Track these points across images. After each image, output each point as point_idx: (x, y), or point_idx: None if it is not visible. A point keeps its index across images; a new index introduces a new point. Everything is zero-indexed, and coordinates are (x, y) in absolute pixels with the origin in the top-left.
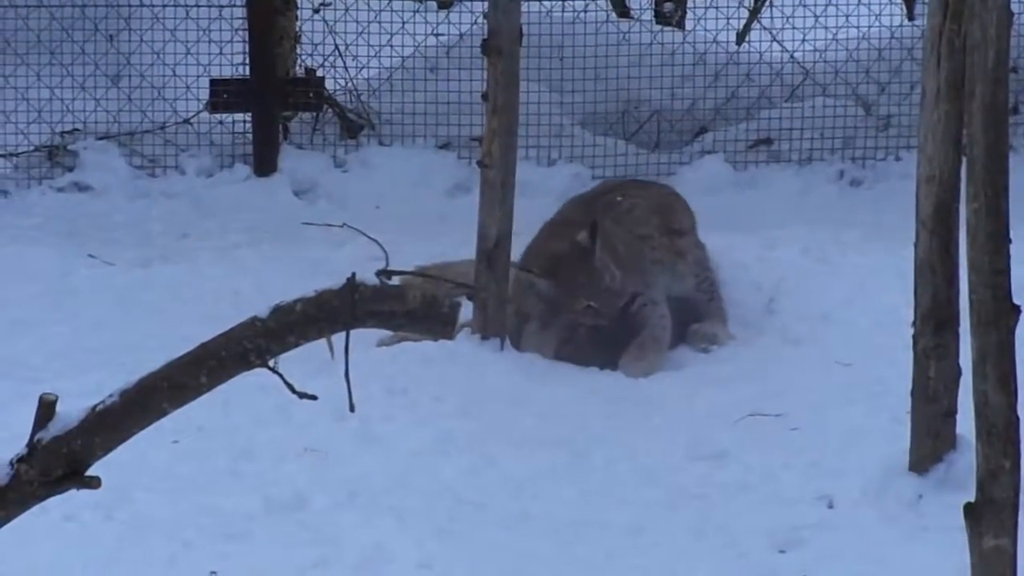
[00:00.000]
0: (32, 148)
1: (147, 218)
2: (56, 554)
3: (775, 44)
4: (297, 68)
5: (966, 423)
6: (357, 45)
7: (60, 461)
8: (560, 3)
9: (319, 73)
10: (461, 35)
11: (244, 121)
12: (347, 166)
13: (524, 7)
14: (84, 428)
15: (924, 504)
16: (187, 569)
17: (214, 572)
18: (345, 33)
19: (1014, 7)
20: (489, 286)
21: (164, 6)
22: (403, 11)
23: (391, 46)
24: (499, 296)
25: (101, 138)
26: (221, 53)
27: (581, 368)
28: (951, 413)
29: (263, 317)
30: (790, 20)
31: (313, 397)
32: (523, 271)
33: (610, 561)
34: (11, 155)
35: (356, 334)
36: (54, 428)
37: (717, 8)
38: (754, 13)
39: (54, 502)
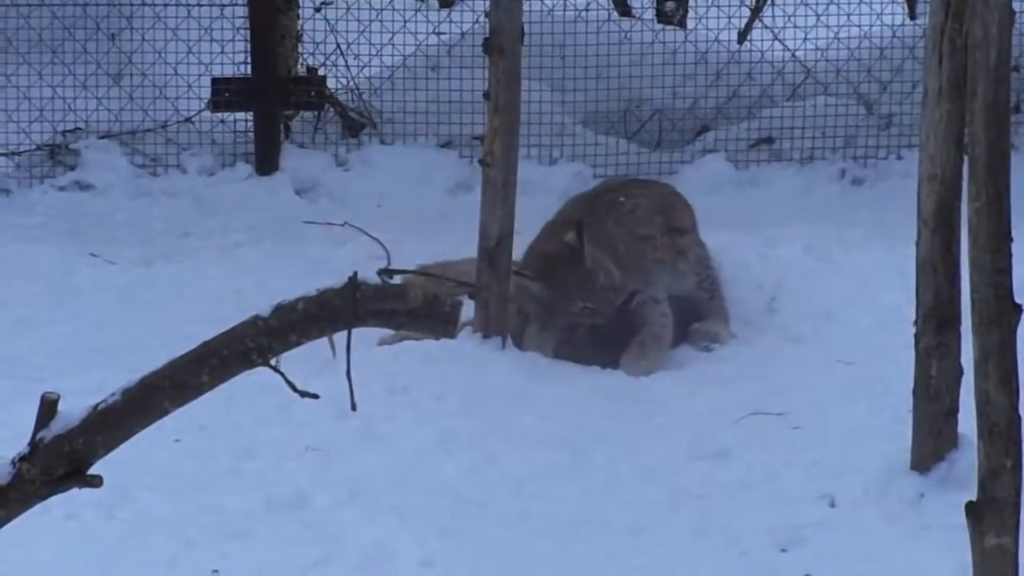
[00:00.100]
0: (34, 147)
1: (149, 217)
2: (58, 553)
3: (777, 43)
4: (299, 67)
5: (968, 422)
6: (359, 44)
7: (62, 460)
8: (562, 2)
9: (321, 72)
10: (463, 34)
11: (246, 120)
12: (349, 165)
13: (526, 6)
14: (86, 427)
15: (926, 503)
16: (189, 568)
17: (216, 571)
18: (347, 32)
19: (1016, 5)
20: (491, 285)
21: (166, 5)
22: (404, 10)
23: (392, 45)
24: (501, 295)
25: (103, 137)
26: (223, 52)
27: (582, 367)
28: (953, 412)
29: (265, 316)
30: (792, 19)
31: (315, 396)
32: (516, 274)
33: (611, 560)
34: (13, 154)
35: (357, 333)
36: (56, 427)
37: (719, 7)
38: (756, 12)
39: (56, 501)
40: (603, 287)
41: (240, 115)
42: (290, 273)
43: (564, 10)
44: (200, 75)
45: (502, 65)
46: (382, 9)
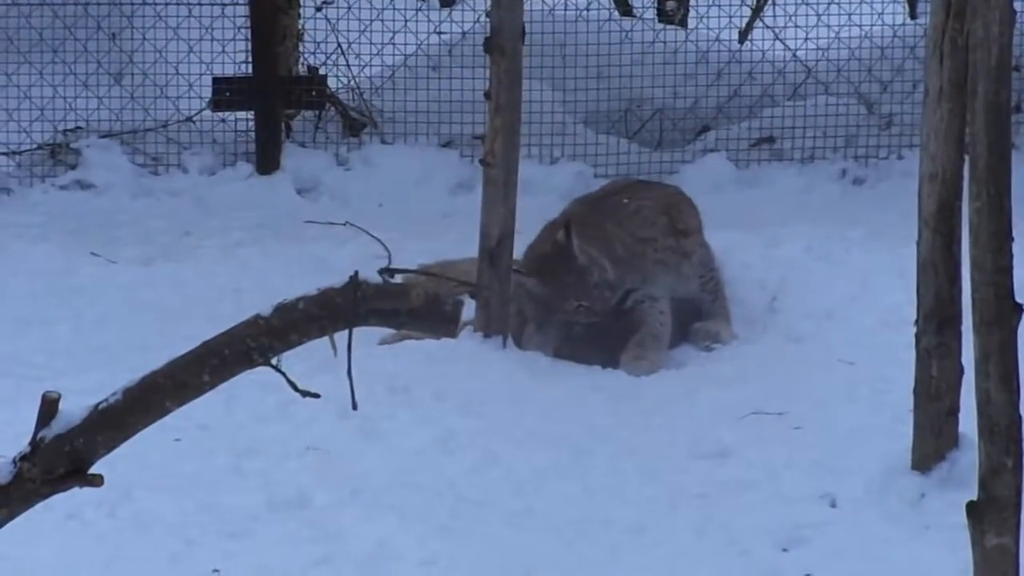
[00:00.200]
0: (35, 146)
1: (150, 216)
2: (59, 552)
3: (778, 43)
4: (300, 66)
5: (968, 421)
6: (359, 43)
7: (63, 459)
8: (563, 1)
9: (322, 71)
10: (463, 33)
11: (247, 119)
12: (349, 164)
13: (527, 5)
14: (87, 426)
15: (927, 502)
16: (190, 567)
17: (217, 570)
18: (348, 31)
19: (1017, 5)
20: (491, 284)
21: (167, 4)
22: (405, 9)
23: (393, 44)
24: (501, 294)
25: (104, 136)
26: (224, 51)
27: (583, 366)
28: (953, 411)
29: (266, 315)
30: (793, 19)
31: (316, 395)
32: (513, 272)
33: (612, 559)
34: (14, 153)
35: (358, 332)
36: (57, 426)
37: (720, 6)
38: (757, 11)
39: (57, 500)
40: (597, 284)
41: (241, 114)
42: (291, 272)
43: (565, 9)
44: (201, 74)
45: (503, 65)
46: (383, 8)
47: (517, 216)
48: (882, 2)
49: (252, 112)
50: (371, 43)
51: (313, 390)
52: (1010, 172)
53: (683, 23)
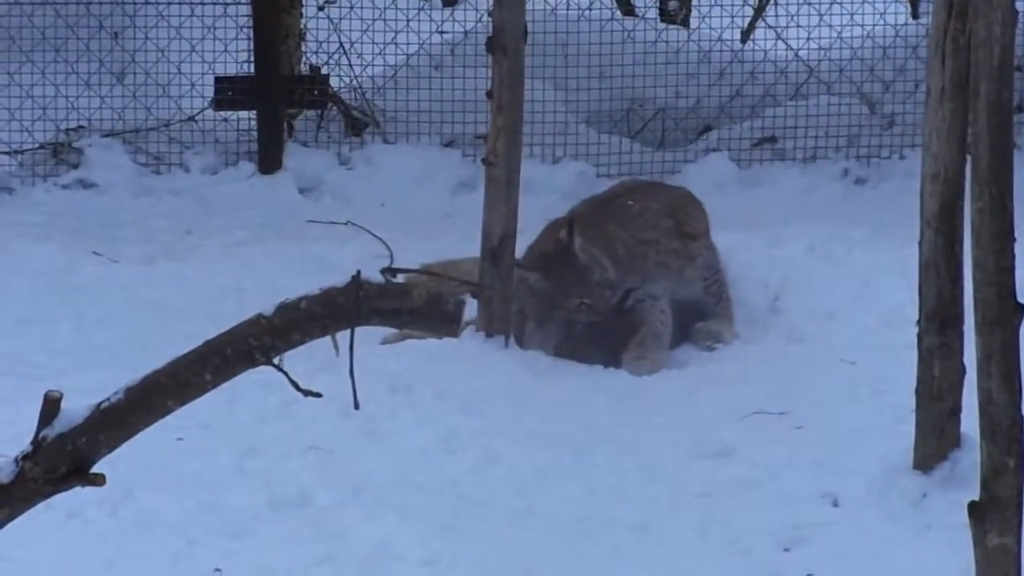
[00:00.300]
0: (37, 145)
1: (152, 215)
2: (60, 551)
3: (780, 42)
4: (302, 66)
5: (970, 421)
6: (362, 43)
7: (65, 458)
8: (565, 1)
9: (324, 71)
10: (466, 33)
11: (249, 119)
12: (352, 164)
13: (529, 5)
14: (89, 425)
15: (928, 502)
16: (191, 566)
17: (218, 569)
18: (350, 31)
19: (1019, 5)
20: (493, 284)
21: (169, 3)
22: (408, 9)
23: (396, 44)
24: (503, 294)
25: (106, 135)
26: (226, 51)
27: (585, 365)
28: (955, 411)
29: (268, 315)
30: (795, 18)
31: (318, 394)
32: (516, 266)
33: (614, 558)
34: (16, 152)
35: (360, 331)
36: (59, 425)
37: (722, 6)
38: (759, 11)
39: (59, 499)
40: (599, 283)
41: (243, 114)
42: (293, 272)
43: (567, 9)
44: (203, 74)
45: (505, 64)
46: (385, 8)
47: (519, 216)
48: (884, 2)
49: (254, 111)
50: (373, 42)
51: (315, 389)
52: (1012, 172)
53: (685, 23)
